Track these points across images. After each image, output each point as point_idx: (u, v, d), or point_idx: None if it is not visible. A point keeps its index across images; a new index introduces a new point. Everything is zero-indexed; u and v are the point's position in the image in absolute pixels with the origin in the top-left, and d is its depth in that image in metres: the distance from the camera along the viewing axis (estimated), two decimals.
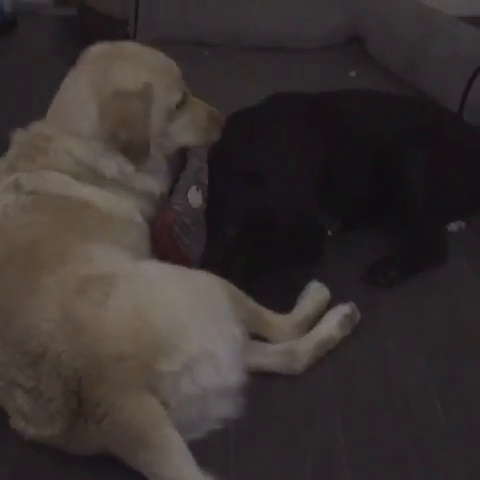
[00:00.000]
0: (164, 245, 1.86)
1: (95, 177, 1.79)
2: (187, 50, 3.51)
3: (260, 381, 1.67)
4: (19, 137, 1.85)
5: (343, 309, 1.86)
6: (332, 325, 1.82)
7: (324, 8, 3.72)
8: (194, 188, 1.90)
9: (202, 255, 1.89)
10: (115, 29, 3.65)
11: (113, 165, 1.80)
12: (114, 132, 1.76)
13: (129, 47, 1.91)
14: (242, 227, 1.86)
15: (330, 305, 1.89)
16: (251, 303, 1.74)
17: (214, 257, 1.87)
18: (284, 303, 1.89)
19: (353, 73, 3.42)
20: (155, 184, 1.88)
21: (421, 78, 3.15)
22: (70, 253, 1.58)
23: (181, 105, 1.87)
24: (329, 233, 2.22)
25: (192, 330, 1.49)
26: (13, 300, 1.52)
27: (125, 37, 3.55)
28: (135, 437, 1.40)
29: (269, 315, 1.78)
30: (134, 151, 1.79)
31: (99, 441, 1.44)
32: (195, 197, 1.89)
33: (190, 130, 1.91)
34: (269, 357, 1.73)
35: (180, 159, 1.97)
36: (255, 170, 1.90)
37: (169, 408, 1.45)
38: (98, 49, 1.88)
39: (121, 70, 1.79)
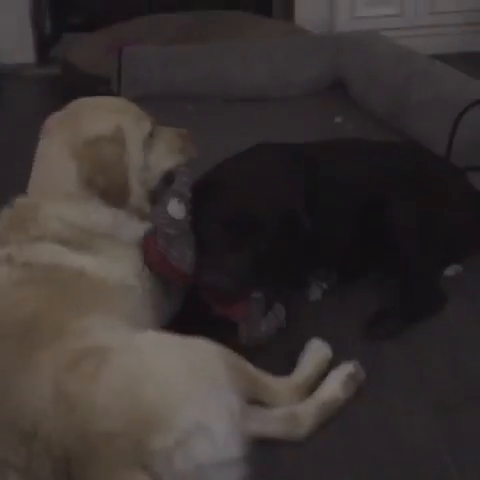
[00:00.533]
0: (151, 257, 1.84)
1: (88, 239, 1.77)
2: (171, 105, 3.53)
3: (264, 449, 1.62)
4: (7, 212, 1.83)
5: (347, 368, 1.80)
6: (335, 387, 1.76)
7: (307, 56, 3.76)
8: (175, 200, 1.91)
9: (195, 263, 1.87)
10: (99, 87, 3.66)
11: (106, 217, 1.80)
12: (90, 178, 1.78)
13: (85, 101, 1.96)
14: (224, 225, 1.85)
15: (332, 363, 1.84)
16: (249, 368, 1.69)
17: (205, 259, 1.85)
18: (283, 363, 1.85)
19: (339, 119, 3.43)
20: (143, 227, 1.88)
21: (406, 122, 3.16)
22: (65, 328, 1.55)
23: (152, 134, 1.93)
24: (325, 287, 2.19)
25: (185, 404, 1.44)
26: (6, 377, 1.48)
27: (109, 94, 3.57)
28: None
29: (268, 379, 1.73)
30: (114, 194, 1.81)
31: None
32: (177, 209, 1.90)
33: (168, 154, 1.97)
34: (270, 423, 1.68)
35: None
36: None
37: None
38: (57, 115, 1.94)
39: (86, 121, 1.84)
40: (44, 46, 4.72)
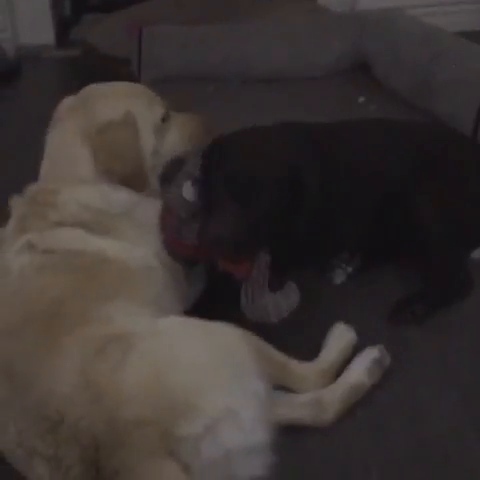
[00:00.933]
0: (165, 236, 1.86)
1: (107, 221, 1.76)
2: (191, 86, 3.50)
3: (290, 435, 1.60)
4: (20, 200, 1.82)
5: (372, 353, 1.79)
6: (361, 371, 1.75)
7: (328, 36, 3.69)
8: (189, 183, 1.92)
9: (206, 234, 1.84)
10: (119, 69, 3.64)
11: (123, 197, 1.80)
12: (108, 167, 1.79)
13: (96, 87, 1.95)
14: (228, 183, 1.83)
15: (357, 348, 1.82)
16: (275, 354, 1.68)
17: (210, 216, 1.83)
18: (308, 347, 1.83)
19: (361, 99, 3.37)
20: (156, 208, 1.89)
21: (431, 101, 3.09)
22: (90, 313, 1.54)
23: (166, 119, 1.94)
24: (349, 270, 2.16)
25: (213, 390, 1.43)
26: (32, 363, 1.47)
27: (129, 76, 3.54)
28: None
29: (293, 364, 1.72)
30: (133, 180, 1.81)
31: None
32: (190, 192, 1.91)
33: (180, 139, 1.97)
34: (296, 409, 1.67)
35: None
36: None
37: (192, 472, 1.38)
38: (68, 101, 1.94)
39: (97, 107, 1.85)
40: (63, 28, 4.69)
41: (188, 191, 1.91)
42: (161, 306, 1.71)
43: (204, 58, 3.67)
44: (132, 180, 1.81)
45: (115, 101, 1.87)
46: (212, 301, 1.99)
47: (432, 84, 3.11)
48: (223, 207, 1.83)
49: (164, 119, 1.94)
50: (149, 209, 1.87)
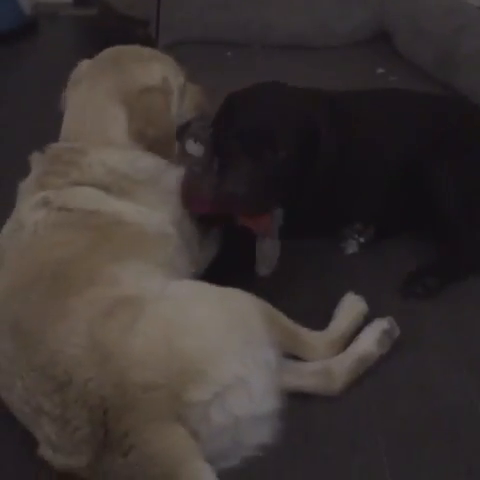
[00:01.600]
0: (183, 194, 1.86)
1: (129, 186, 1.74)
2: (209, 50, 3.47)
3: (298, 403, 1.60)
4: (41, 156, 1.79)
5: (381, 324, 1.78)
6: (370, 341, 1.74)
7: (349, 4, 3.64)
8: (191, 140, 1.94)
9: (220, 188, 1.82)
10: (136, 30, 3.61)
11: (150, 164, 1.79)
12: (141, 130, 1.78)
13: (124, 51, 1.92)
14: (242, 142, 1.82)
15: (367, 319, 1.81)
16: (286, 321, 1.67)
17: (226, 173, 1.82)
18: (319, 316, 1.82)
19: (381, 70, 3.33)
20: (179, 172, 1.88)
21: (453, 75, 3.05)
22: (99, 274, 1.52)
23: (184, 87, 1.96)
24: (362, 241, 2.15)
25: (223, 356, 1.42)
26: (40, 323, 1.46)
27: (147, 38, 3.50)
28: (163, 471, 1.34)
29: (304, 333, 1.71)
30: (162, 146, 1.81)
31: (126, 474, 1.37)
32: (195, 148, 1.94)
33: (190, 107, 1.99)
34: (305, 378, 1.66)
35: None
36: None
37: (200, 438, 1.38)
38: (87, 63, 1.91)
39: (136, 71, 1.83)
40: None
41: (191, 147, 1.93)
42: (173, 270, 1.70)
43: (223, 22, 3.63)
44: (161, 146, 1.81)
45: (151, 66, 1.86)
46: (226, 267, 1.97)
47: (455, 57, 3.07)
48: (237, 162, 1.81)
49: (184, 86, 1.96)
50: (172, 178, 1.85)
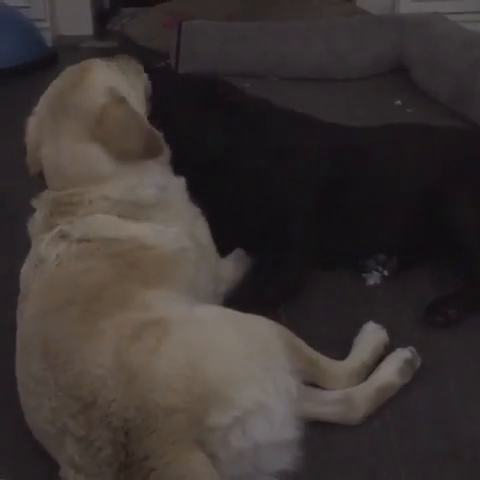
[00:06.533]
0: None
1: (138, 211, 1.73)
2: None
3: (318, 431, 1.59)
4: (42, 199, 1.77)
5: (403, 354, 1.76)
6: (392, 371, 1.72)
7: (368, 37, 3.69)
8: None
9: None
10: (156, 62, 3.66)
11: (149, 188, 1.75)
12: (120, 150, 1.72)
13: (52, 89, 1.81)
14: None
15: (388, 348, 1.80)
16: (307, 350, 1.66)
17: None
18: (338, 345, 1.81)
19: (399, 102, 3.36)
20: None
21: (470, 108, 3.07)
22: (130, 299, 1.54)
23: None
24: (385, 273, 2.14)
25: (246, 382, 1.42)
26: (69, 344, 1.48)
27: (167, 69, 3.55)
28: None
29: (325, 363, 1.70)
30: (150, 149, 1.74)
31: None
32: None
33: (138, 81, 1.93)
34: (326, 406, 1.65)
35: None
36: None
37: (218, 462, 1.37)
38: (33, 120, 1.82)
39: (79, 101, 1.74)
40: (102, 19, 4.73)
41: None
42: (196, 290, 1.71)
43: (241, 54, 3.68)
44: (150, 150, 1.75)
45: (90, 86, 1.76)
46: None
47: (472, 89, 3.09)
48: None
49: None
50: (176, 188, 1.84)
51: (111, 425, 1.37)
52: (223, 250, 2.01)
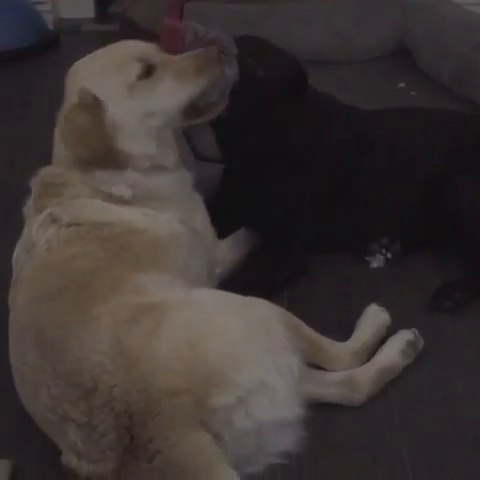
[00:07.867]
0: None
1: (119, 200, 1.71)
2: None
3: (320, 413, 1.59)
4: (36, 180, 1.76)
5: (405, 335, 1.77)
6: (394, 353, 1.73)
7: (371, 20, 3.66)
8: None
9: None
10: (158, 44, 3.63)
11: (121, 185, 1.70)
12: (75, 155, 1.69)
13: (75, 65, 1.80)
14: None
15: (391, 331, 1.80)
16: (308, 331, 1.66)
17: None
18: (341, 328, 1.82)
19: (402, 84, 3.34)
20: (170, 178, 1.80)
21: (473, 90, 3.05)
22: (123, 283, 1.53)
23: (150, 73, 1.68)
24: (389, 256, 2.14)
25: (247, 362, 1.42)
26: (64, 331, 1.47)
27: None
28: (189, 476, 1.34)
29: (327, 343, 1.70)
30: (104, 162, 1.68)
31: None
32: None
33: (177, 87, 1.70)
34: (328, 387, 1.66)
35: None
36: None
37: (223, 442, 1.38)
38: None
39: (67, 91, 1.74)
40: (104, 2, 4.69)
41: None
42: (188, 274, 1.69)
43: None
44: (100, 162, 1.68)
45: (73, 80, 1.73)
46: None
47: (475, 72, 3.07)
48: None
49: (148, 73, 1.68)
50: (174, 184, 1.79)
51: (114, 410, 1.37)
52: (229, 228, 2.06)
